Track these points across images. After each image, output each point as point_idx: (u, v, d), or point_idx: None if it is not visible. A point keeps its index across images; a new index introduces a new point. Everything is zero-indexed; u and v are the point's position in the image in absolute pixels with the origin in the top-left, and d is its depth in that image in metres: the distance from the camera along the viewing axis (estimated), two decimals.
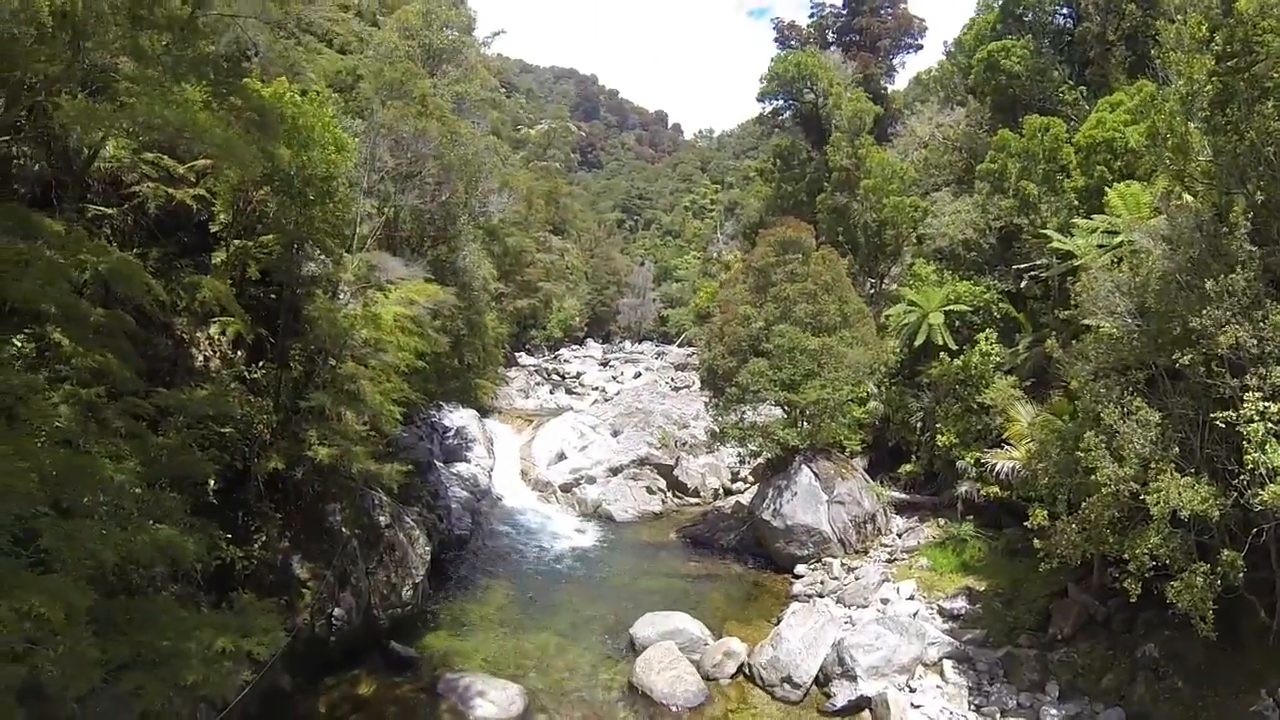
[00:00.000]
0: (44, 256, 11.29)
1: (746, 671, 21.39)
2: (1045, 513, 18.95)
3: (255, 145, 14.07)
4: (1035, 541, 18.98)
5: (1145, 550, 16.00)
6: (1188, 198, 18.62)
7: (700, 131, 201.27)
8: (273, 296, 19.00)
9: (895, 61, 65.53)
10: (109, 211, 15.51)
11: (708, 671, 21.28)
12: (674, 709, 19.77)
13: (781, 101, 55.20)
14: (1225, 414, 15.56)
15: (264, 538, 17.60)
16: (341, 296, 20.20)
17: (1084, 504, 17.36)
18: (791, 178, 52.97)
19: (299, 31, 27.22)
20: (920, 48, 67.79)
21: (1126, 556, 16.41)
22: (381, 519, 22.16)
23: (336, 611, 19.49)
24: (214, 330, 17.68)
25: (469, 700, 19.18)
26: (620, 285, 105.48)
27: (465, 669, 20.65)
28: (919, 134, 45.61)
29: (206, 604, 14.50)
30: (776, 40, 67.05)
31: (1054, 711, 18.59)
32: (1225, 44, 16.48)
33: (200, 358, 17.53)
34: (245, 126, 14.04)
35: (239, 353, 18.40)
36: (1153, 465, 16.28)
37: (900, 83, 67.01)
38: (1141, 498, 16.17)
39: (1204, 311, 15.88)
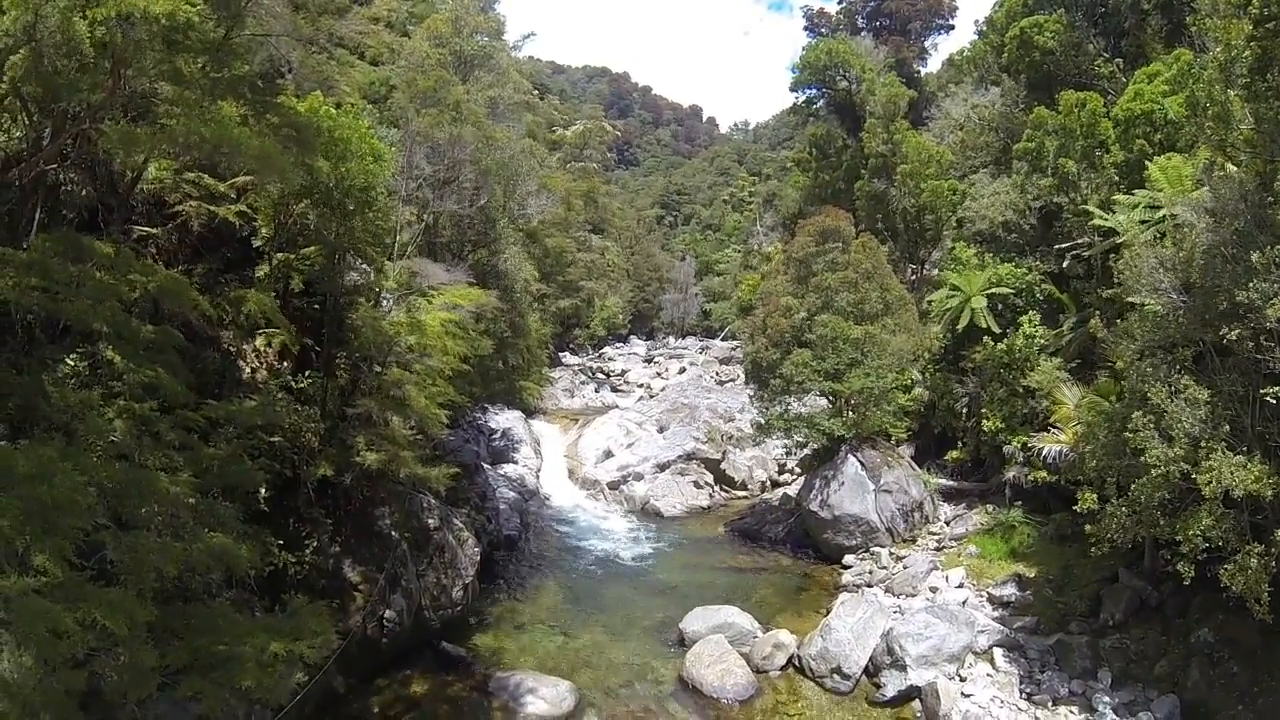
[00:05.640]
0: (94, 278, 11.76)
1: (796, 663, 21.39)
2: (1094, 496, 18.67)
3: (293, 159, 14.39)
4: (1085, 526, 18.70)
5: (1197, 532, 15.70)
6: (1231, 168, 18.14)
7: (735, 124, 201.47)
8: (316, 307, 19.36)
9: (927, 44, 65.30)
10: (154, 231, 16.00)
11: (757, 664, 21.33)
12: (724, 702, 19.86)
13: (815, 90, 55.13)
14: (1276, 389, 15.19)
15: (315, 543, 17.99)
16: (384, 304, 20.55)
17: (1133, 486, 17.02)
18: (828, 166, 52.71)
19: (331, 46, 27.70)
20: (952, 28, 67.05)
21: (1178, 539, 16.11)
22: (430, 521, 22.47)
23: (388, 613, 19.81)
24: (260, 342, 18.12)
25: (520, 698, 19.43)
26: (662, 281, 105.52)
27: (516, 667, 20.92)
28: (954, 116, 45.04)
29: (260, 609, 14.90)
30: (807, 28, 67.00)
31: (1107, 699, 18.31)
32: (1263, 7, 15.98)
33: (248, 369, 17.95)
34: (283, 142, 14.37)
35: (285, 363, 18.82)
36: (1203, 444, 15.92)
37: (933, 65, 66.55)
38: (1192, 478, 15.85)
39: (1251, 284, 15.47)
